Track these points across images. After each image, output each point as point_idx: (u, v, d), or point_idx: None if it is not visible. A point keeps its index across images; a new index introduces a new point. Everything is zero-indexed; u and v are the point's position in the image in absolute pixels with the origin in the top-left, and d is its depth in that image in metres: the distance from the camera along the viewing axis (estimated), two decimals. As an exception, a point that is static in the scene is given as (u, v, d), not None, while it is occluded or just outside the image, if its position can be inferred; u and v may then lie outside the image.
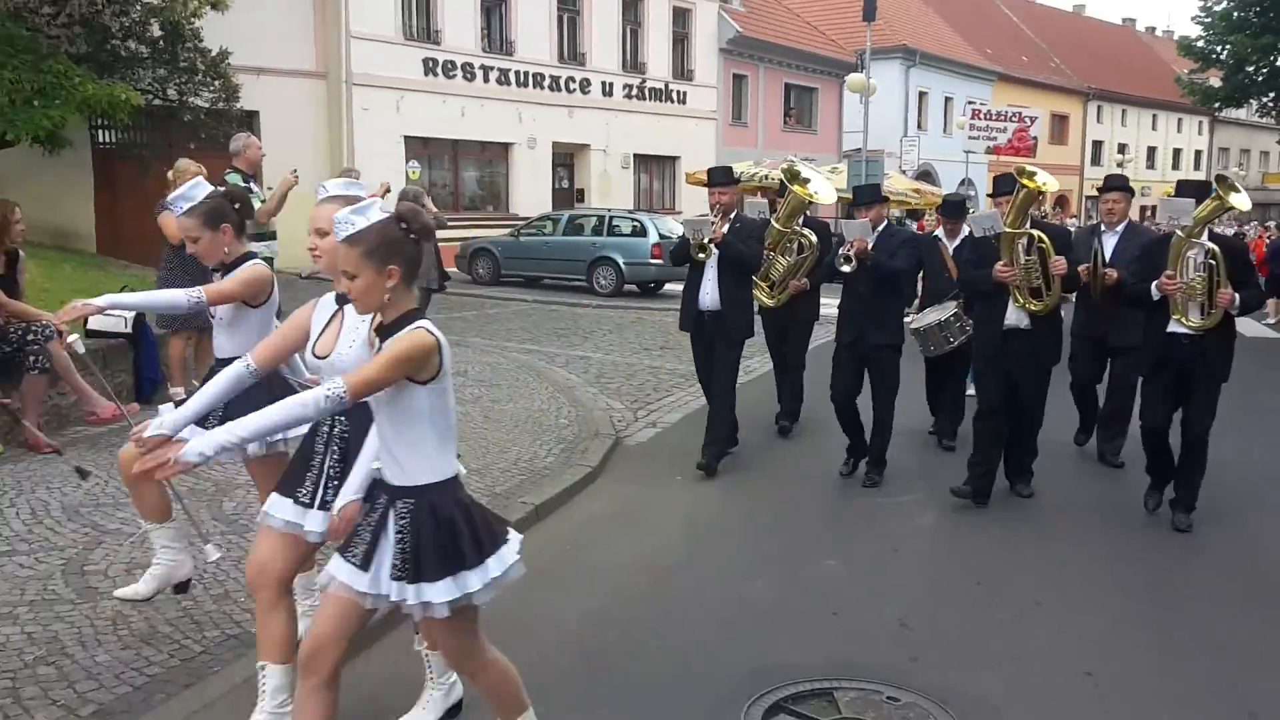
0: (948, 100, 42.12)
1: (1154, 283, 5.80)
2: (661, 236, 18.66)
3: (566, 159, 26.02)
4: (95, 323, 7.54)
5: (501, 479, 6.48)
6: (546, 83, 24.86)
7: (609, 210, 20.53)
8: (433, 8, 22.42)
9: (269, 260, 8.38)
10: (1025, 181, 5.95)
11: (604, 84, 26.28)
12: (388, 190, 12.17)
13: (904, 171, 34.91)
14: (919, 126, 40.08)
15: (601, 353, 12.08)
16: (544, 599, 4.82)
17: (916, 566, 5.53)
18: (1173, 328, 5.82)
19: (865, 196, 7.03)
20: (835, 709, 3.96)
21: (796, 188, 7.48)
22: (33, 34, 14.38)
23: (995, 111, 13.69)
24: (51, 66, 13.93)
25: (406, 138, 21.81)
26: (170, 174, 7.82)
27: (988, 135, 13.93)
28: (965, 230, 7.51)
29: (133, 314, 7.72)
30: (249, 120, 18.74)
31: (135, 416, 7.13)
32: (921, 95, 40.71)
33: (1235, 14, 22.12)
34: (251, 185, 8.28)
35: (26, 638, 4.05)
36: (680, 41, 28.86)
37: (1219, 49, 22.74)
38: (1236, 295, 5.67)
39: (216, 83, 16.79)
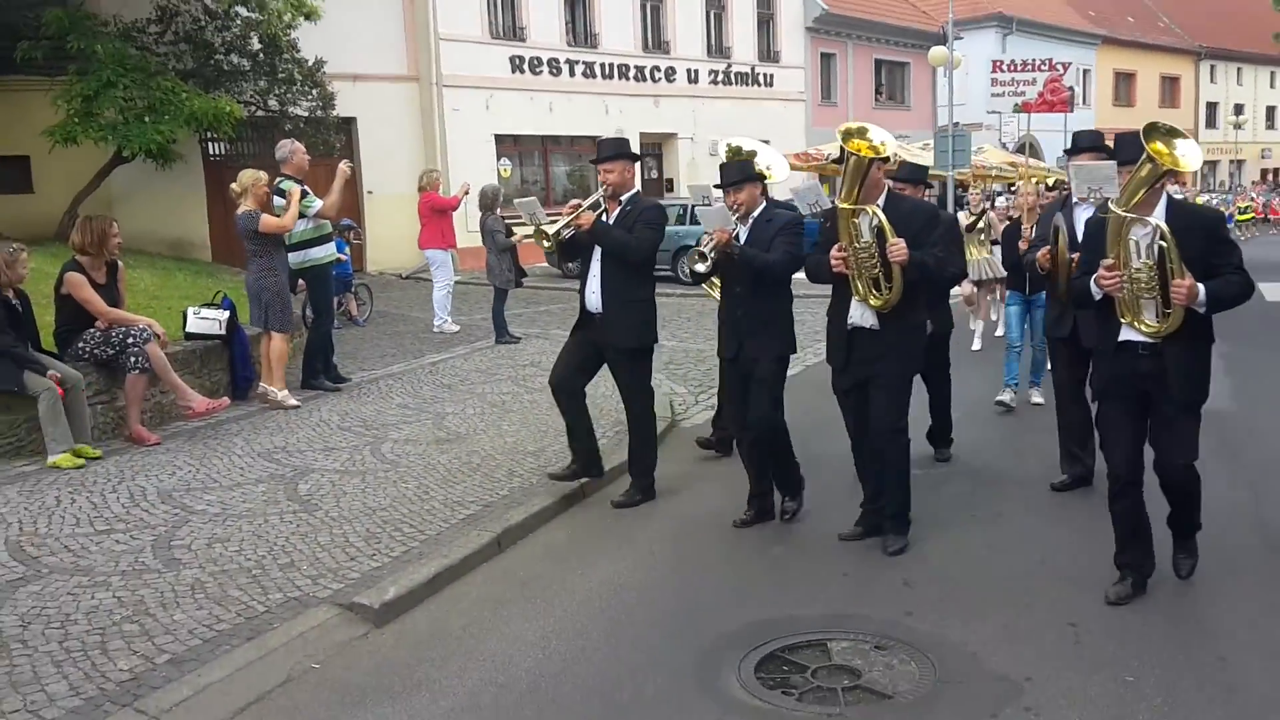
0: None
1: (1094, 276, 4.51)
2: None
3: (654, 149, 26.40)
4: (192, 325, 8.27)
5: (554, 460, 6.94)
6: (632, 73, 25.27)
7: (691, 199, 20.82)
8: (518, 5, 23.02)
9: (323, 265, 9.06)
10: (852, 145, 4.98)
11: (689, 71, 26.57)
12: (468, 191, 12.79)
13: (1004, 145, 34.30)
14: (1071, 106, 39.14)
15: (676, 340, 12.46)
16: (586, 556, 5.45)
17: (933, 533, 5.78)
18: (1125, 335, 4.52)
19: (731, 175, 5.73)
20: (827, 657, 4.31)
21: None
22: (141, 52, 15.47)
23: (1020, 61, 12.10)
24: (160, 83, 14.95)
25: (496, 135, 22.47)
26: (234, 185, 8.45)
27: (1014, 90, 12.51)
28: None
29: (226, 316, 8.42)
30: (346, 126, 19.68)
31: (226, 410, 7.90)
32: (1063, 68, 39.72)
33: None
34: (306, 188, 8.78)
35: (117, 601, 4.68)
36: (765, 23, 28.93)
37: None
38: (1200, 286, 4.25)
39: (314, 91, 17.67)
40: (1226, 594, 4.84)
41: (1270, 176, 53.49)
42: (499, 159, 22.33)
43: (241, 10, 16.40)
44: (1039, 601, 4.78)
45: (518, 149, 23.43)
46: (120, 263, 7.69)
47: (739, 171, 5.72)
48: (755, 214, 5.67)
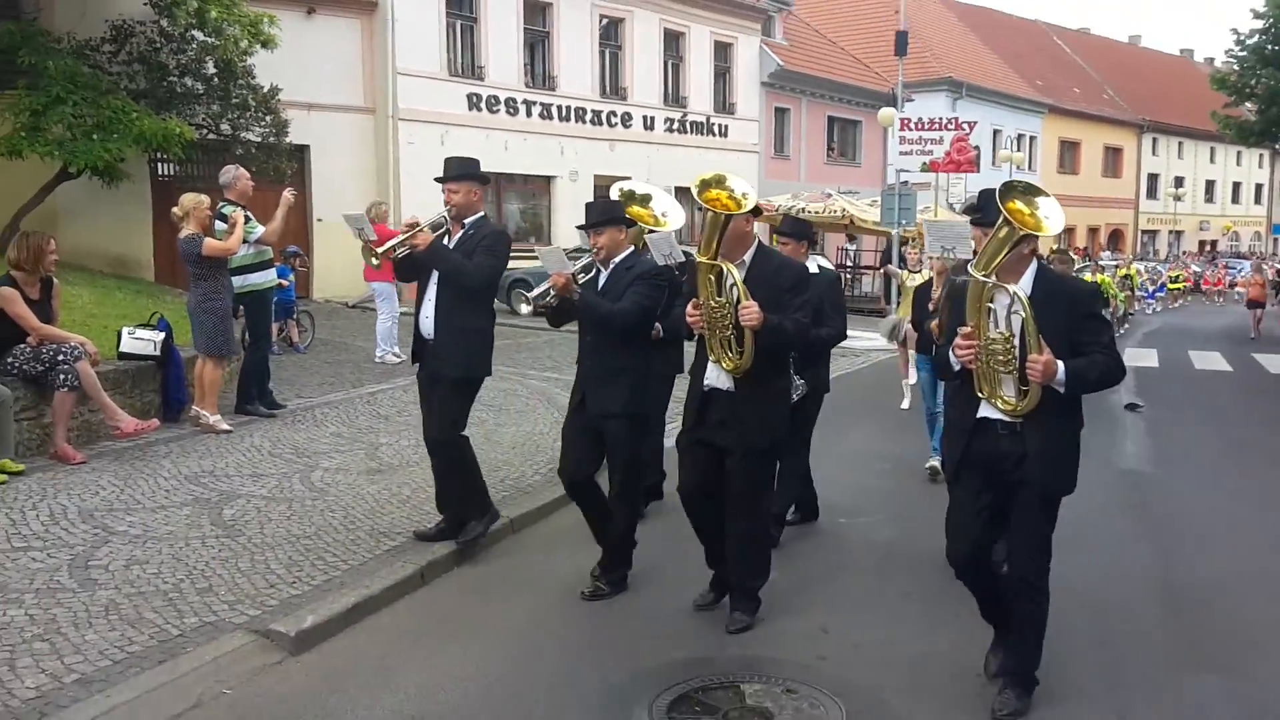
0: (996, 132, 42.16)
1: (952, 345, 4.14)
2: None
3: (608, 191, 26.54)
4: (126, 345, 8.21)
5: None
6: (588, 117, 25.52)
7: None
8: (477, 45, 23.21)
9: (263, 291, 9.06)
10: (709, 197, 4.62)
11: (645, 118, 26.90)
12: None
13: (951, 205, 35.07)
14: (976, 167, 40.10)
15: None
16: (508, 592, 5.47)
17: (855, 580, 5.89)
18: (984, 411, 4.13)
19: (593, 215, 5.39)
20: (740, 699, 4.37)
21: (636, 209, 5.79)
22: (94, 70, 15.37)
23: (927, 120, 12.02)
24: (110, 101, 14.82)
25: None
26: (175, 209, 8.44)
27: (921, 149, 12.53)
28: (811, 263, 6.35)
29: (161, 338, 8.37)
30: (299, 153, 19.66)
31: (155, 432, 7.83)
32: (969, 127, 40.71)
33: (1267, 48, 22.09)
34: (249, 214, 8.79)
35: (29, 619, 4.63)
36: (722, 75, 29.42)
37: (1253, 83, 22.72)
38: (1059, 364, 3.88)
39: (267, 118, 17.64)
40: (1128, 653, 4.98)
41: (1208, 248, 55.11)
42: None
43: (198, 34, 16.38)
44: (948, 651, 4.88)
45: (471, 185, 23.54)
46: (55, 280, 7.62)
47: (601, 212, 5.41)
48: (617, 259, 5.33)
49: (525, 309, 5.11)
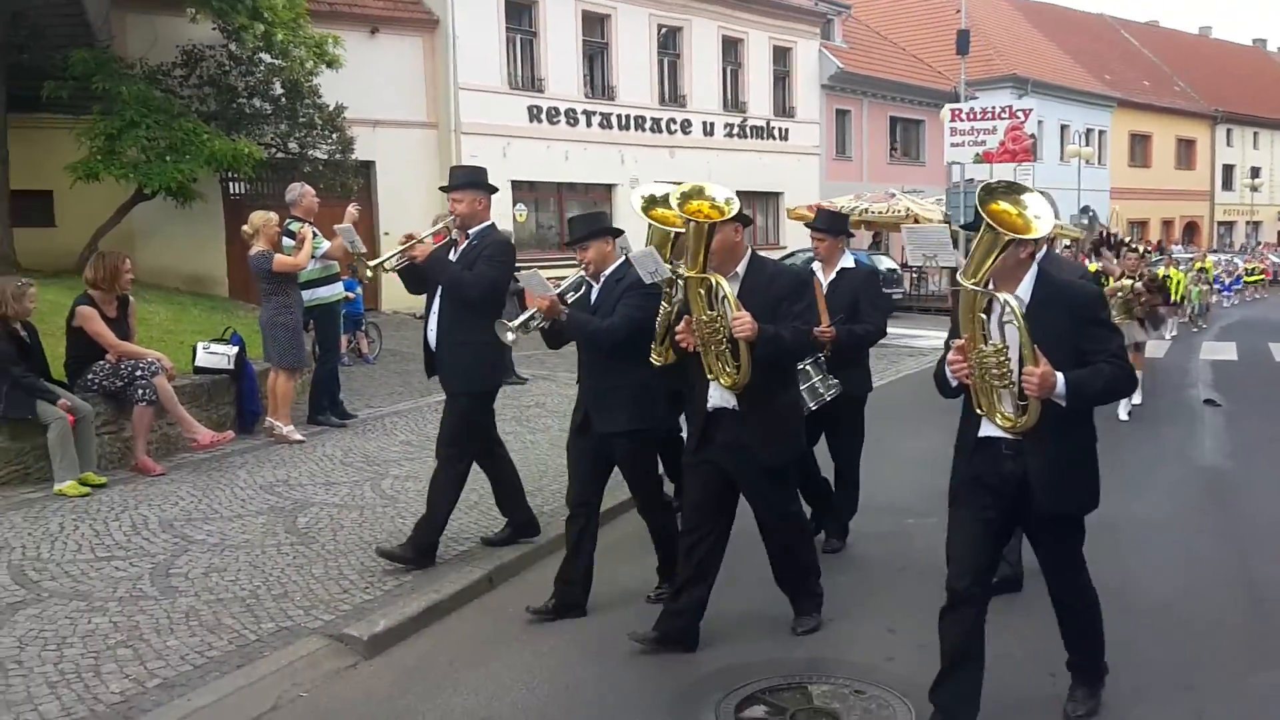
0: (1064, 128, 41.48)
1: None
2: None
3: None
4: (201, 359, 8.43)
5: (551, 499, 7.03)
6: (648, 125, 25.62)
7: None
8: (537, 58, 23.43)
9: (331, 304, 9.24)
10: (690, 209, 4.43)
11: (705, 124, 26.92)
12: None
13: (1017, 201, 34.57)
14: (1034, 155, 39.52)
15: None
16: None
17: (920, 581, 5.81)
18: (987, 429, 3.87)
19: (576, 230, 5.17)
20: (807, 699, 4.36)
21: (660, 212, 5.29)
22: (165, 94, 15.84)
23: (980, 110, 10.94)
24: (182, 124, 15.27)
25: (513, 182, 22.75)
26: (245, 227, 8.65)
27: (974, 139, 11.53)
28: (846, 258, 6.20)
29: (234, 352, 8.58)
30: (365, 169, 20.04)
31: (231, 443, 8.03)
32: (1036, 123, 40.11)
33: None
34: (316, 229, 8.94)
35: (112, 625, 4.78)
36: (781, 79, 29.33)
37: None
38: (1058, 376, 3.59)
39: (334, 136, 18.02)
40: (1206, 652, 4.87)
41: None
42: (515, 204, 22.63)
43: (265, 57, 16.78)
44: (1020, 651, 4.82)
45: (534, 195, 23.73)
46: (131, 298, 7.86)
47: (584, 226, 5.16)
48: (607, 272, 5.10)
49: (510, 337, 4.96)
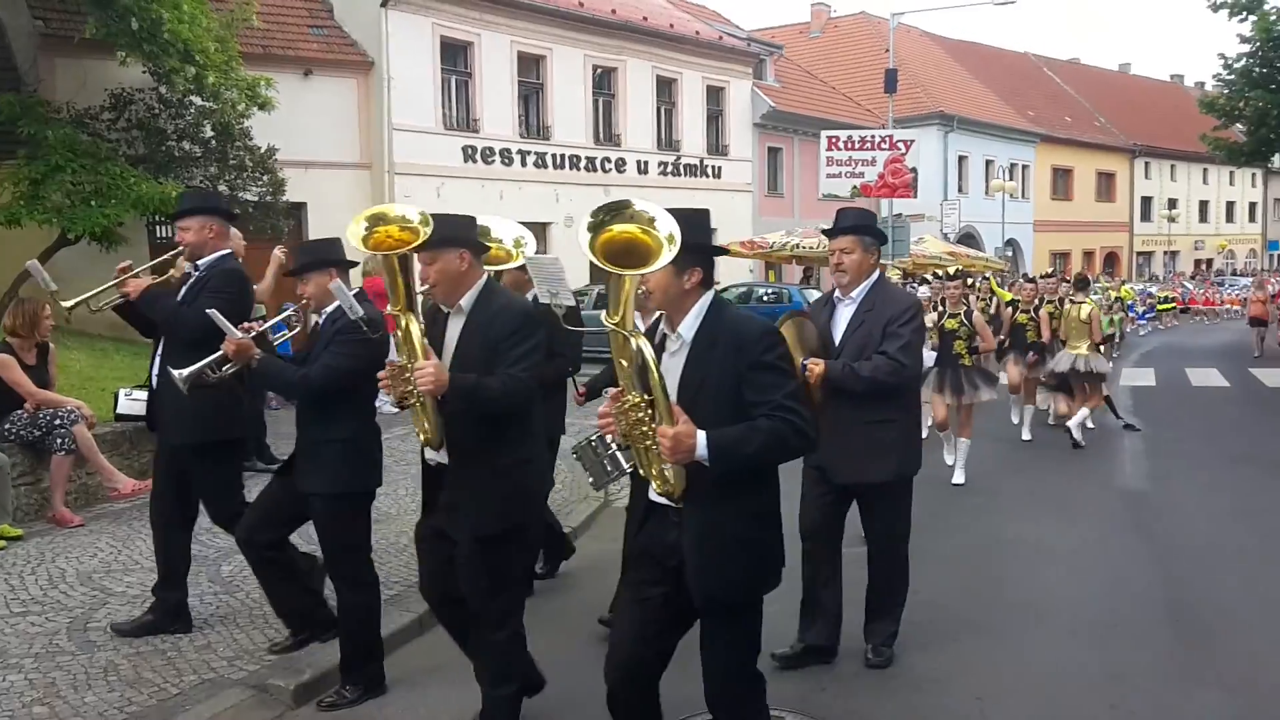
0: (989, 163, 42.47)
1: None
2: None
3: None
4: (123, 406, 8.26)
5: (484, 540, 6.97)
6: (583, 164, 25.79)
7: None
8: (472, 99, 23.52)
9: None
10: (378, 236, 3.94)
11: (639, 162, 27.17)
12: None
13: (945, 235, 35.28)
14: (960, 190, 40.43)
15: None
16: None
17: (853, 610, 5.85)
18: (652, 493, 3.30)
19: (301, 259, 4.69)
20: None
21: (496, 250, 4.84)
22: (93, 139, 15.62)
23: (859, 138, 10.36)
24: (109, 168, 15.04)
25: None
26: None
27: (851, 171, 11.09)
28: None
29: (158, 397, 8.42)
30: (296, 212, 19.87)
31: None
32: (961, 159, 41.11)
33: (1255, 70, 22.30)
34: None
35: (28, 683, 4.64)
36: (714, 118, 29.74)
37: (1241, 105, 22.92)
38: (698, 435, 3.00)
39: (265, 178, 17.87)
40: (1129, 671, 4.97)
41: (1204, 267, 55.22)
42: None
43: (196, 99, 16.63)
44: (948, 677, 4.88)
45: (469, 236, 23.76)
46: (52, 344, 7.70)
47: (306, 255, 4.70)
48: (329, 309, 4.54)
49: (183, 387, 4.46)
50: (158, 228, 18.83)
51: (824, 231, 5.08)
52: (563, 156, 25.29)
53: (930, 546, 7.10)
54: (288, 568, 5.00)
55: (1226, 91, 23.78)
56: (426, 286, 3.99)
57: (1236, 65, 22.90)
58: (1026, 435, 11.43)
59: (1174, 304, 35.77)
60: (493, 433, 3.93)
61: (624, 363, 3.08)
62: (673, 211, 3.12)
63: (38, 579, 6.05)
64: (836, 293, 4.94)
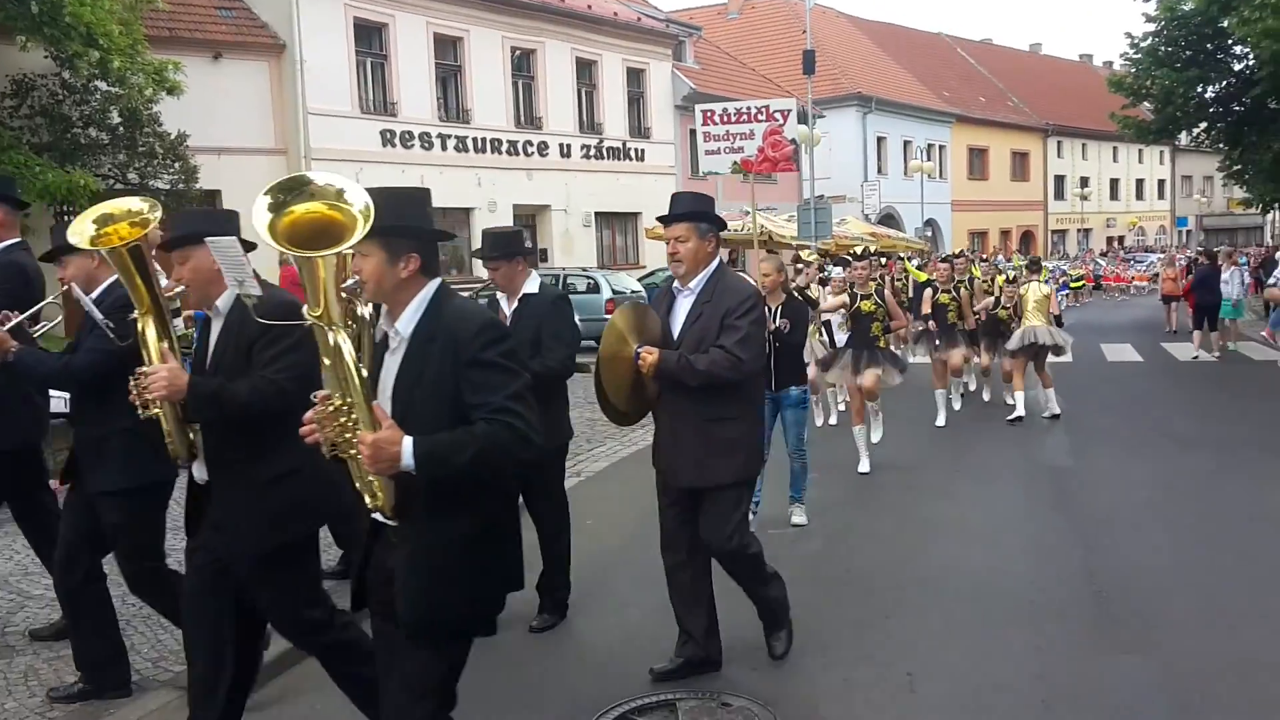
0: (906, 144, 43.11)
1: None
2: (615, 292, 19.31)
3: (528, 220, 26.68)
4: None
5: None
6: (504, 147, 25.59)
7: (563, 269, 21.20)
8: (389, 81, 23.17)
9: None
10: (107, 232, 3.70)
11: (561, 145, 27.04)
12: None
13: (866, 216, 35.74)
14: (879, 171, 41.01)
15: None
16: None
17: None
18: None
19: (56, 242, 4.34)
20: (675, 717, 4.39)
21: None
22: (-6, 127, 15.06)
23: (735, 110, 9.82)
24: (13, 157, 14.51)
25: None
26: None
27: (730, 146, 10.95)
28: (532, 282, 5.31)
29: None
30: (210, 199, 19.39)
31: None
32: (880, 140, 41.67)
33: (1160, 49, 22.96)
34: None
35: (-58, 692, 4.48)
36: (635, 100, 29.71)
37: (1148, 83, 23.57)
38: (404, 441, 2.73)
39: (176, 165, 17.42)
40: (1053, 642, 5.10)
41: (1116, 244, 56.73)
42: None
43: (101, 84, 16.14)
44: (878, 653, 4.96)
45: (389, 222, 23.43)
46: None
47: (57, 239, 4.30)
48: (96, 293, 4.24)
49: None
50: (66, 217, 18.25)
51: (659, 219, 4.74)
52: (484, 140, 25.07)
53: (858, 525, 7.23)
54: (103, 612, 4.54)
55: (1134, 70, 24.43)
56: (179, 289, 3.70)
57: (1143, 44, 23.53)
58: (941, 421, 11.28)
59: (1084, 281, 36.49)
60: (251, 444, 3.54)
61: (327, 361, 2.81)
62: (382, 190, 2.86)
63: (-51, 584, 5.84)
64: (675, 283, 4.64)
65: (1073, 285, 34.07)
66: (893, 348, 9.89)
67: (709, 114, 8.98)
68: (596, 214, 28.27)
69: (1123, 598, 5.71)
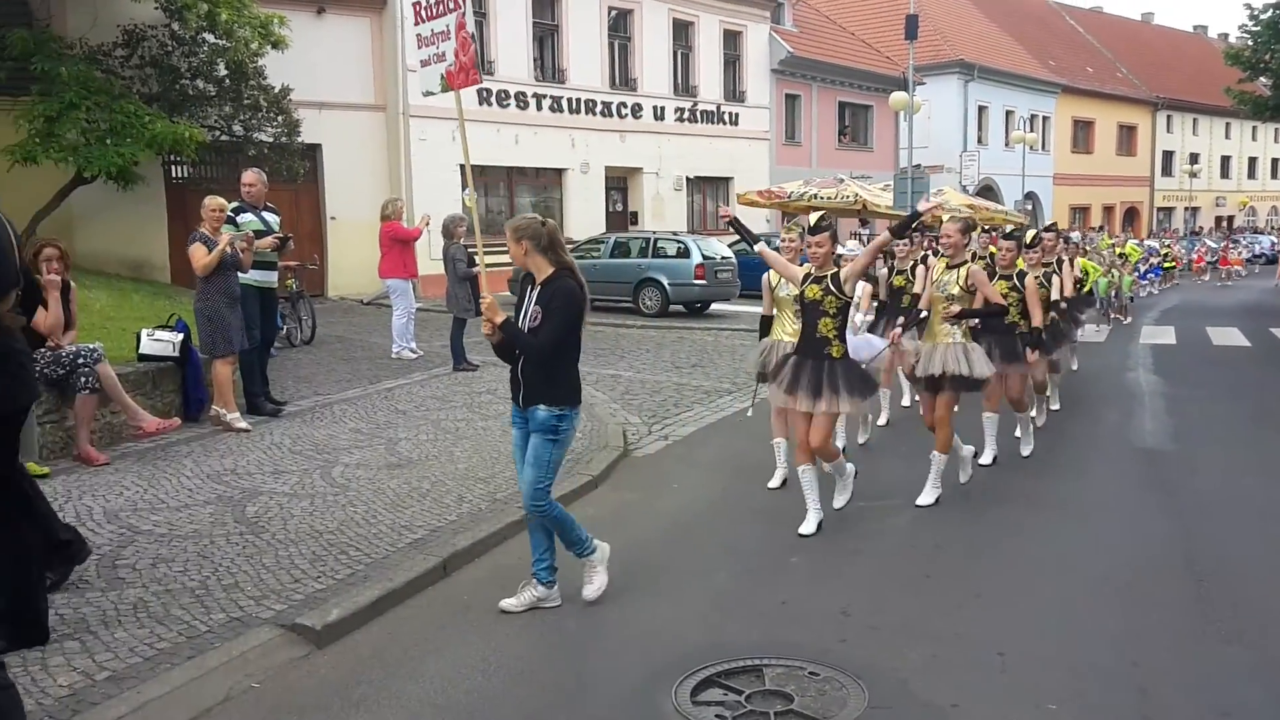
0: (1009, 114, 41.98)
1: None
2: (705, 257, 19.20)
3: (619, 183, 26.65)
4: (146, 347, 8.28)
5: (504, 486, 7.00)
6: (598, 108, 25.54)
7: (654, 233, 21.14)
8: (487, 40, 23.22)
9: (267, 289, 9.19)
10: None
11: (655, 108, 26.89)
12: (428, 223, 12.97)
13: (964, 187, 34.95)
14: (979, 141, 40.02)
15: (633, 371, 12.57)
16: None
17: (874, 563, 5.90)
18: None
19: None
20: (761, 682, 4.39)
21: None
22: (106, 75, 15.51)
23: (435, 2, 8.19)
24: (123, 106, 14.96)
25: (462, 166, 22.58)
26: (202, 210, 8.51)
27: (437, 53, 9.22)
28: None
29: (180, 339, 8.43)
30: (311, 153, 19.78)
31: (177, 431, 7.91)
32: (981, 109, 40.63)
33: (1282, 22, 21.97)
34: (264, 215, 8.97)
35: (59, 619, 4.68)
36: (731, 64, 29.38)
37: (1267, 57, 22.55)
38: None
39: (279, 118, 17.76)
40: (1150, 628, 4.98)
41: (1225, 224, 54.69)
42: (464, 188, 22.45)
43: (209, 37, 16.49)
44: (970, 631, 4.90)
45: (484, 179, 23.54)
46: (73, 284, 7.66)
47: None
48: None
49: None
50: (173, 167, 18.78)
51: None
52: (578, 101, 25.04)
53: (948, 501, 7.12)
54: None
55: (1252, 44, 23.38)
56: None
57: (1263, 16, 22.49)
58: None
59: (1173, 263, 34.33)
60: None
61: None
62: None
63: (65, 517, 6.04)
64: None
65: (1166, 266, 32.37)
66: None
67: (417, 5, 6.28)
68: (688, 178, 28.12)
69: (1223, 587, 5.55)
